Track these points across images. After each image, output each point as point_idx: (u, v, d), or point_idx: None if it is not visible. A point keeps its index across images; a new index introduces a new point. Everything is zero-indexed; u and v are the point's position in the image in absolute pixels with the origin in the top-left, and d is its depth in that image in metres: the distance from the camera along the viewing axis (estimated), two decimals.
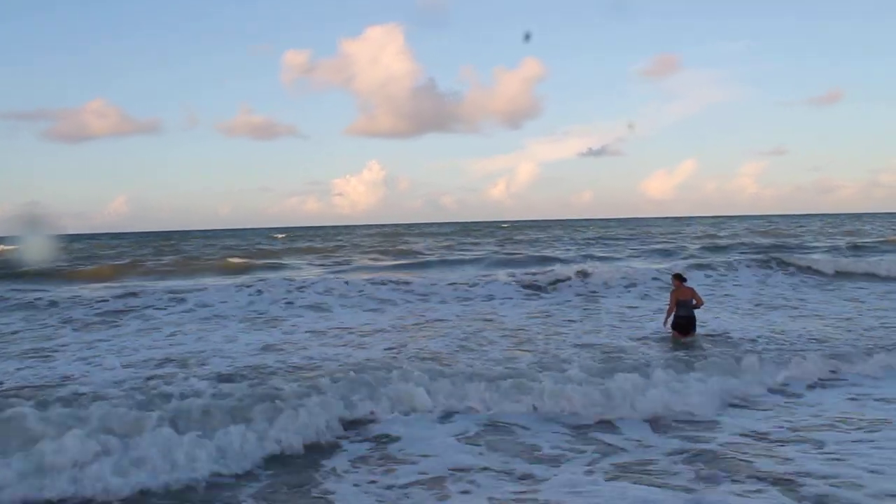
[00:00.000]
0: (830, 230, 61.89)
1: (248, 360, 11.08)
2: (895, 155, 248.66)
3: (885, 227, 67.12)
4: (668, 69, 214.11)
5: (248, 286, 19.60)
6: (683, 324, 12.45)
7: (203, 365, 10.80)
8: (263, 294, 18.79)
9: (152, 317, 16.36)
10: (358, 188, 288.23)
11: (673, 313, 12.57)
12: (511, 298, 19.29)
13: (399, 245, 49.43)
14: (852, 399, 8.67)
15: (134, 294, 18.69)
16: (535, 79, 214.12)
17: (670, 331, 12.61)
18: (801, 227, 72.48)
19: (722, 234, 58.74)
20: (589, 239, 55.03)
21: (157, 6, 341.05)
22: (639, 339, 12.75)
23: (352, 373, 8.88)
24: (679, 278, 12.84)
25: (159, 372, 10.26)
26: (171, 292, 18.80)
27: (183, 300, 18.06)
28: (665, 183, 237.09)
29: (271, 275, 25.14)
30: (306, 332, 14.20)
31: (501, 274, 23.60)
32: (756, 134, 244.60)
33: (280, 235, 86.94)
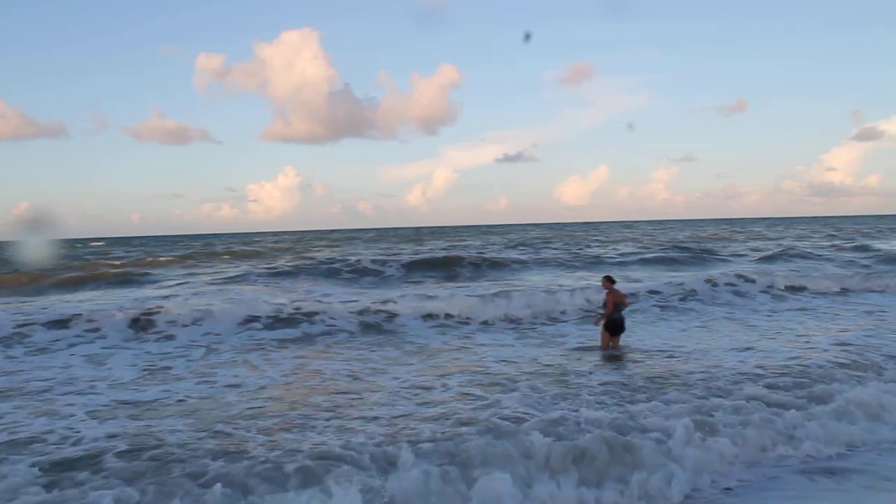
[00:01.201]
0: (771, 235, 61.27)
1: None
2: (797, 163, 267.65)
3: (785, 231, 69.02)
4: (583, 76, 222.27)
5: None
6: (619, 324, 12.64)
7: None
8: None
9: None
10: (273, 194, 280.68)
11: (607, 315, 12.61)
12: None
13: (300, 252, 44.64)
14: None
15: None
16: (452, 85, 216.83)
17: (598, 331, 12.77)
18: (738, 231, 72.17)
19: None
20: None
21: (61, 6, 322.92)
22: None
23: None
24: (610, 280, 12.92)
25: None
26: None
27: None
28: (580, 189, 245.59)
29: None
30: None
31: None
32: (667, 141, 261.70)
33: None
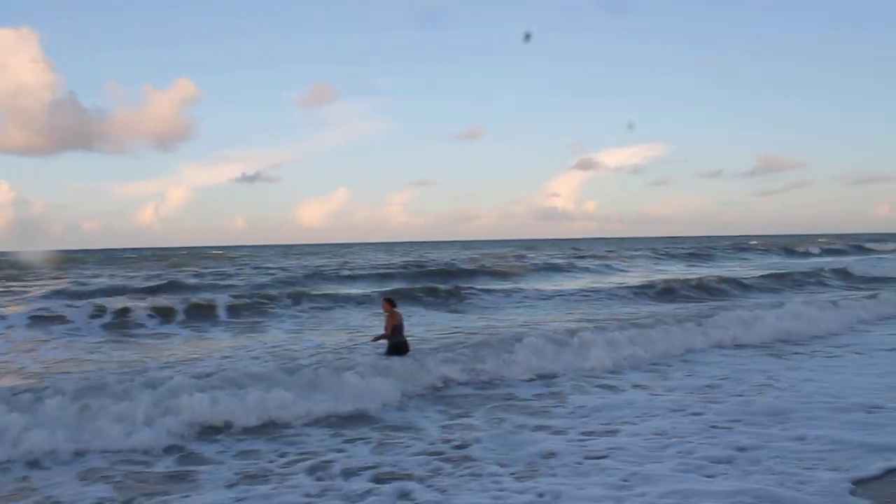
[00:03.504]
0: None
1: None
2: (525, 189, 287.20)
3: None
4: (324, 99, 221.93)
5: None
6: (403, 347, 12.09)
7: None
8: None
9: None
10: None
11: (389, 339, 12.23)
12: None
13: None
14: None
15: None
16: (189, 100, 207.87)
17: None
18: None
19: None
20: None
21: None
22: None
23: None
24: (391, 303, 12.58)
25: None
26: None
27: None
28: (319, 210, 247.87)
29: None
30: None
31: None
32: (405, 165, 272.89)
33: None
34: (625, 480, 6.32)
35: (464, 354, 11.97)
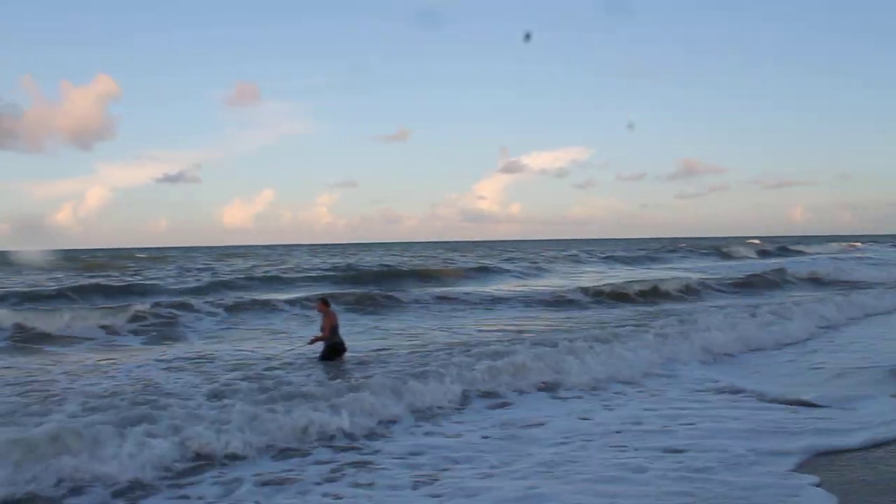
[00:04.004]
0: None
1: None
2: (450, 191, 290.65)
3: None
4: (249, 98, 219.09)
5: None
6: (341, 348, 12.40)
7: None
8: None
9: None
10: None
11: (326, 340, 12.36)
12: None
13: None
14: None
15: None
16: (109, 97, 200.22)
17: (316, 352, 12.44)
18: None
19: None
20: None
21: None
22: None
23: None
24: (325, 302, 12.79)
25: None
26: None
27: None
28: (244, 211, 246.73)
29: None
30: None
31: None
32: (331, 166, 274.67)
33: None
34: None
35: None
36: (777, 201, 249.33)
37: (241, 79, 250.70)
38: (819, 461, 6.84)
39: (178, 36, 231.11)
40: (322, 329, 12.42)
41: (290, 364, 12.07)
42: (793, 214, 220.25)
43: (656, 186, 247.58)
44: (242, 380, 10.47)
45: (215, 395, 9.25)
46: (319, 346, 12.50)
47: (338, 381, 10.09)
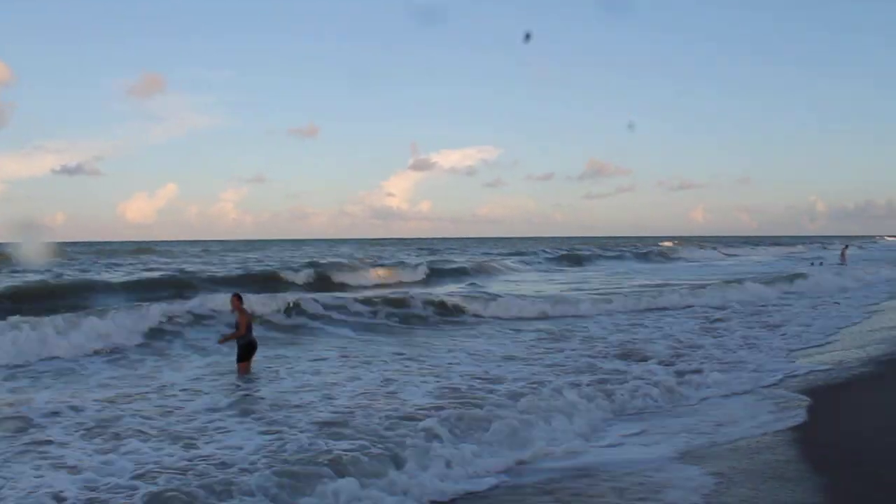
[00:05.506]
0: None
1: None
2: (360, 188, 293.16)
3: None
4: (153, 89, 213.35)
5: None
6: (254, 347, 11.60)
7: None
8: None
9: None
10: None
11: (240, 339, 11.52)
12: None
13: None
14: None
15: None
16: (1, 84, 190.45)
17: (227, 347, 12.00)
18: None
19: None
20: None
21: None
22: None
23: None
24: (240, 299, 11.84)
25: None
26: None
27: None
28: (146, 206, 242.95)
29: None
30: None
31: None
32: (238, 161, 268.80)
33: None
34: None
35: None
36: (679, 202, 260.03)
37: (145, 67, 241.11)
38: None
39: (79, 18, 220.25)
40: (237, 326, 11.62)
41: None
42: (695, 215, 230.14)
43: (565, 186, 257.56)
44: None
45: None
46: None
47: None
